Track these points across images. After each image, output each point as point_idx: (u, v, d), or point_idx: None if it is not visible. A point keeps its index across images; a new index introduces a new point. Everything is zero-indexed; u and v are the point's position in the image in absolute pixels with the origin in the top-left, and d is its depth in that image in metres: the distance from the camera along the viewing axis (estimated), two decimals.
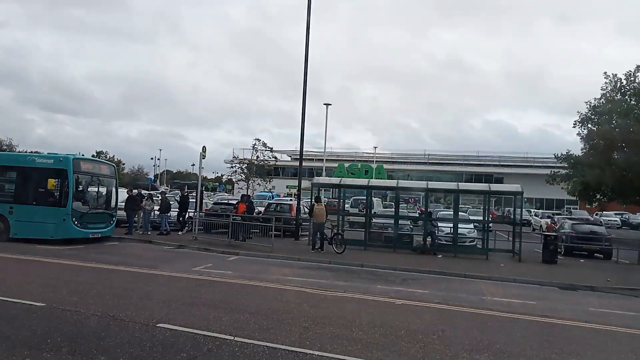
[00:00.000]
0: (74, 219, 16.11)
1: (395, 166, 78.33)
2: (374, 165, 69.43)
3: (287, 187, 75.11)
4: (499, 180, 70.85)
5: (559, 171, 36.44)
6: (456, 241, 17.51)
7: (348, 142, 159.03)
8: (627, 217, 50.04)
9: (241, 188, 25.97)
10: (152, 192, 25.44)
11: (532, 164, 78.43)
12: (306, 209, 22.11)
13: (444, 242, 18.54)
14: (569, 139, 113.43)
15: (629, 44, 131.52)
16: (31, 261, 12.27)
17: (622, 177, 30.10)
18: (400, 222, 18.45)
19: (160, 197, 20.82)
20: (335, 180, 21.11)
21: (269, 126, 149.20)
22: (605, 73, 34.68)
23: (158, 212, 20.36)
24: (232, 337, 6.23)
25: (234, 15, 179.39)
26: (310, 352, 5.84)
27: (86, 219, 16.65)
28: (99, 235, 17.25)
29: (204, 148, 18.94)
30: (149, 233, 19.68)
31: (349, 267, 14.27)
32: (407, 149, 75.03)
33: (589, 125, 34.22)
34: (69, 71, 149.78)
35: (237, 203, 19.55)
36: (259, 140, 21.65)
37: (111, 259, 13.22)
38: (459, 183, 17.48)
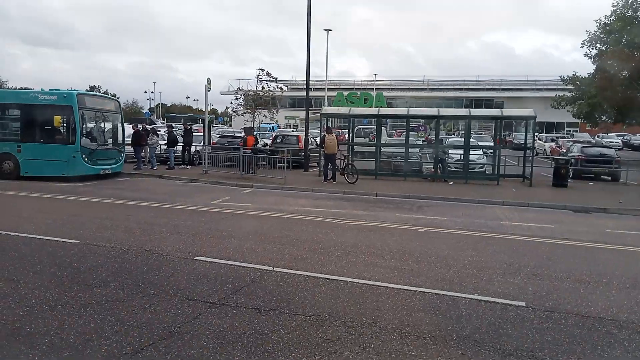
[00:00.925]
0: (83, 156, 15.97)
1: (394, 93, 77.07)
2: (374, 93, 68.52)
3: (285, 117, 74.37)
4: (500, 104, 70.06)
5: (564, 94, 35.96)
6: (467, 168, 17.54)
7: (342, 69, 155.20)
8: (628, 138, 50.13)
9: (247, 120, 25.59)
10: (154, 126, 25.10)
11: (532, 87, 77.34)
12: (313, 140, 21.98)
13: (454, 169, 18.58)
14: (568, 60, 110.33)
15: None
16: (49, 199, 12.30)
17: (630, 96, 29.74)
18: (410, 150, 18.39)
19: (167, 131, 20.54)
20: (344, 110, 20.72)
21: (260, 54, 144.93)
22: None
23: (165, 147, 20.22)
24: (270, 268, 6.34)
25: None
26: (350, 279, 5.97)
27: (96, 156, 16.52)
28: (109, 172, 17.21)
29: (208, 80, 18.40)
30: (156, 168, 19.65)
31: (364, 196, 14.38)
32: (404, 75, 73.43)
33: (598, 45, 33.29)
34: (48, 1, 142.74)
35: (244, 136, 19.32)
36: (262, 70, 21.05)
37: (128, 194, 13.26)
38: (470, 109, 17.20)
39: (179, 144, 20.42)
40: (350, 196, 14.36)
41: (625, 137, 50.24)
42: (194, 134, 21.16)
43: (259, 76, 21.10)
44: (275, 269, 6.32)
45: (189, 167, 20.41)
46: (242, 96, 22.34)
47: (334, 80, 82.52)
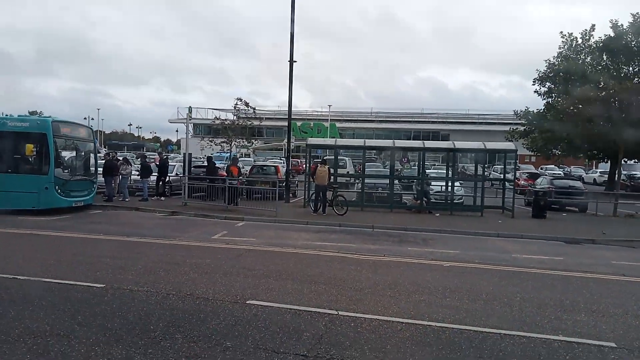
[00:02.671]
0: (56, 187, 14.84)
1: (346, 124, 78.59)
2: (327, 124, 69.46)
3: (236, 147, 73.61)
4: (445, 137, 73.01)
5: (517, 128, 37.99)
6: (450, 199, 17.85)
7: (284, 100, 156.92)
8: (569, 169, 53.42)
9: (205, 149, 24.93)
10: (127, 156, 23.89)
11: (473, 121, 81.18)
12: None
13: (434, 201, 18.84)
14: (496, 96, 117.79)
15: (548, 3, 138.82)
16: (33, 235, 11.18)
17: (579, 132, 31.76)
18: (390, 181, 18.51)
19: (140, 161, 19.54)
20: (330, 141, 20.67)
21: (202, 84, 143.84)
22: (561, 32, 35.91)
23: (138, 177, 19.19)
24: (335, 312, 5.95)
25: None
26: (427, 322, 5.70)
27: (69, 187, 15.40)
28: (82, 204, 16.07)
29: (190, 109, 17.79)
30: (128, 199, 18.57)
31: (361, 229, 14.20)
32: (347, 107, 74.93)
33: (548, 84, 35.61)
34: None
35: (228, 166, 18.69)
36: (240, 100, 20.65)
37: (115, 229, 12.33)
38: (455, 142, 17.68)
39: (153, 174, 19.47)
40: (348, 229, 14.12)
41: (565, 169, 53.49)
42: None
43: (237, 105, 20.69)
44: (340, 312, 5.94)
45: (162, 198, 19.44)
46: (219, 124, 21.73)
47: (284, 111, 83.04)
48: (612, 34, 32.58)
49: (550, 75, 35.08)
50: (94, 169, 17.09)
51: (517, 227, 15.10)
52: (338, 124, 75.02)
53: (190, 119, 18.16)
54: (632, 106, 19.31)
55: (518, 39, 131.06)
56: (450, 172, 18.37)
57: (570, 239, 13.71)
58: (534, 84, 36.10)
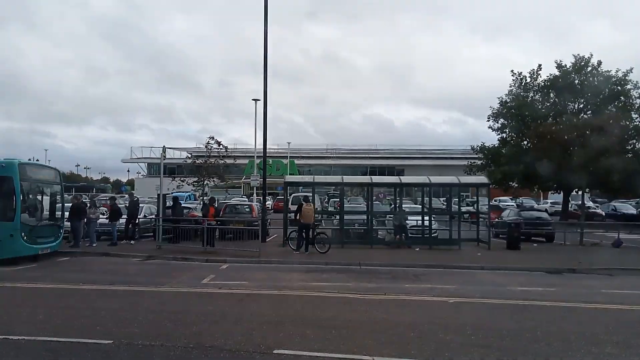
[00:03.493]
0: (23, 234, 13.83)
1: (302, 161, 78.97)
2: (285, 161, 69.40)
3: (187, 184, 71.91)
4: (400, 172, 74.67)
5: (474, 162, 39.49)
6: (426, 234, 18.06)
7: (235, 137, 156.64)
8: (521, 201, 55.71)
9: (169, 190, 24.18)
10: (93, 198, 22.76)
11: (426, 156, 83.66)
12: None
13: (412, 235, 18.95)
14: (440, 131, 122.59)
15: (479, 43, 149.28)
16: (2, 288, 10.25)
17: (532, 167, 33.38)
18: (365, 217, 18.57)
19: (109, 204, 18.62)
20: (308, 178, 20.58)
21: (147, 122, 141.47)
22: (512, 71, 38.03)
23: (107, 221, 18.25)
24: (370, 357, 5.73)
25: (92, 2, 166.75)
26: None
27: (35, 233, 14.42)
28: (48, 251, 15.05)
29: (163, 148, 17.28)
30: (95, 245, 17.58)
31: (349, 266, 13.98)
32: (300, 143, 75.46)
33: (501, 119, 37.44)
34: None
35: (204, 206, 18.10)
36: (212, 138, 20.30)
37: (93, 277, 11.55)
38: (430, 177, 18.05)
39: (122, 217, 18.59)
40: (336, 267, 13.86)
41: (517, 200, 55.70)
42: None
43: (208, 144, 20.34)
44: (375, 358, 5.72)
45: (132, 242, 18.53)
46: (191, 162, 21.19)
47: (241, 148, 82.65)
48: (557, 73, 34.89)
49: (503, 111, 36.93)
50: (60, 213, 16.12)
51: (497, 260, 15.37)
52: (298, 161, 75.21)
53: (164, 158, 17.61)
54: (581, 141, 20.53)
55: (456, 77, 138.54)
56: (426, 207, 18.61)
57: (552, 269, 14.07)
58: (488, 120, 37.77)
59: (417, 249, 17.44)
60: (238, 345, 6.14)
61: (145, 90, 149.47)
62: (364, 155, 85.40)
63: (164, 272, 12.70)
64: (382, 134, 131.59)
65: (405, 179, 18.50)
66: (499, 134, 37.53)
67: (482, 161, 38.79)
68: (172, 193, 47.56)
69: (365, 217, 18.60)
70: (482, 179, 18.63)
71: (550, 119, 34.36)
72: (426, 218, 18.42)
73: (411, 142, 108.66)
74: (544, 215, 22.11)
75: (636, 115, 31.12)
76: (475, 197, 18.47)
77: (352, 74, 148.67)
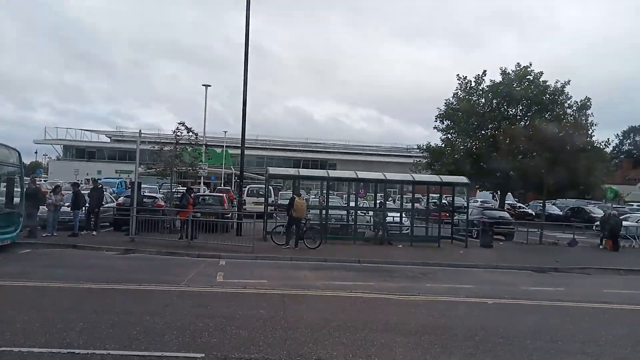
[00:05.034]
0: None
1: (233, 151, 77.06)
2: (219, 150, 67.12)
3: (116, 171, 67.60)
4: (333, 166, 75.61)
5: (419, 160, 40.82)
6: (408, 231, 18.24)
7: (149, 122, 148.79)
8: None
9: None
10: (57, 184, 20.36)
11: (357, 152, 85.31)
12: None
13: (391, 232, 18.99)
14: (357, 127, 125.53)
15: (398, 46, 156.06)
16: None
17: (478, 166, 35.16)
18: (351, 213, 18.41)
19: (73, 190, 16.70)
20: (292, 171, 19.84)
21: (51, 100, 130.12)
22: (457, 75, 39.64)
23: (68, 208, 16.39)
24: None
25: None
26: None
27: None
28: (8, 242, 13.22)
29: (140, 132, 15.76)
30: (56, 235, 15.79)
31: (351, 263, 13.73)
32: (231, 133, 73.36)
33: (446, 121, 38.94)
34: None
35: (182, 197, 16.78)
36: (182, 124, 18.84)
37: (81, 274, 10.20)
38: (414, 174, 18.18)
39: (85, 205, 16.81)
40: (338, 264, 13.52)
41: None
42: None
43: (177, 130, 18.91)
44: None
45: (94, 232, 16.86)
46: (157, 150, 19.52)
47: (165, 134, 78.94)
48: (501, 79, 36.88)
49: (449, 113, 38.42)
50: (19, 199, 14.21)
51: (481, 258, 15.86)
52: (231, 151, 73.19)
53: (140, 143, 16.09)
54: (548, 146, 21.89)
55: (374, 76, 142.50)
56: (406, 205, 18.80)
57: (537, 268, 14.76)
58: (435, 121, 39.10)
59: (400, 246, 17.55)
60: (347, 357, 5.65)
61: (50, 67, 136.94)
62: (295, 148, 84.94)
63: (161, 269, 11.63)
64: (301, 127, 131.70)
65: (390, 175, 18.49)
66: (444, 134, 39.12)
67: (427, 160, 40.27)
68: (102, 179, 44.12)
69: (344, 212, 18.40)
70: (462, 178, 19.12)
71: (493, 123, 36.28)
72: (404, 215, 18.61)
73: (330, 136, 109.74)
74: (506, 214, 23.27)
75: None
76: (456, 197, 18.95)
77: (274, 66, 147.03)
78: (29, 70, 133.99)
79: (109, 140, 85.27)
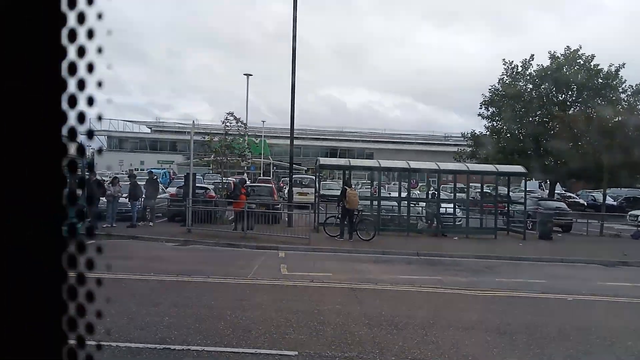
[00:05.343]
0: None
1: (271, 141, 77.30)
2: (258, 140, 67.46)
3: (158, 162, 69.12)
4: (370, 155, 74.70)
5: (464, 149, 39.83)
6: (463, 222, 17.76)
7: (186, 112, 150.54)
8: None
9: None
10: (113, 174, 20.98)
11: (394, 140, 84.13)
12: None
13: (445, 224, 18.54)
14: (392, 115, 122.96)
15: (431, 30, 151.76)
16: None
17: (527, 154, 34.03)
18: (403, 204, 18.06)
19: (129, 182, 17.06)
20: (343, 161, 19.73)
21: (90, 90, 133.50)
22: (503, 60, 38.33)
23: (126, 200, 16.75)
24: None
25: None
26: None
27: None
28: None
29: (193, 122, 15.89)
30: (115, 225, 16.17)
31: (407, 256, 13.46)
32: (255, 121, 73.12)
33: (492, 108, 37.78)
34: None
35: (234, 188, 16.85)
36: (231, 114, 18.91)
37: (150, 265, 10.38)
38: (468, 164, 17.70)
39: (142, 196, 17.15)
40: (396, 257, 13.28)
41: None
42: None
43: (226, 120, 18.98)
44: None
45: (151, 224, 17.18)
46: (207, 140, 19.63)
47: (204, 125, 79.84)
48: (549, 64, 35.41)
49: (495, 100, 37.23)
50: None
51: (544, 251, 15.27)
52: (269, 141, 73.59)
53: (195, 133, 16.22)
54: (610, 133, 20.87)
55: (408, 62, 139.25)
56: (460, 195, 18.30)
57: (605, 261, 14.09)
58: (480, 108, 38.00)
59: (455, 238, 17.12)
60: (442, 357, 5.44)
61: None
62: (329, 137, 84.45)
63: (223, 260, 11.71)
64: (333, 116, 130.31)
65: (443, 165, 18.02)
66: (489, 122, 37.98)
67: (471, 148, 39.26)
68: (146, 170, 45.10)
69: (394, 203, 18.08)
70: (519, 168, 18.46)
71: (542, 110, 35.05)
72: (457, 206, 18.13)
73: (364, 125, 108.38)
74: (563, 205, 22.40)
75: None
76: (507, 187, 18.34)
77: (306, 54, 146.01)
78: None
79: (149, 130, 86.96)
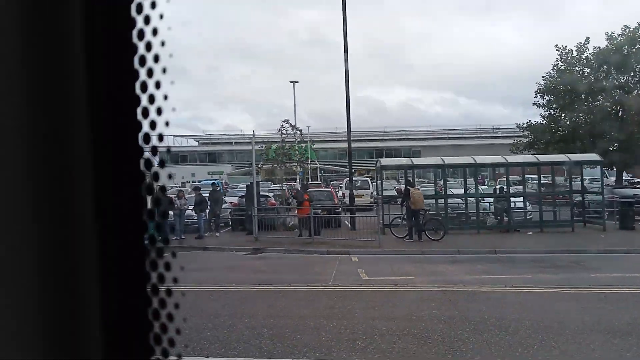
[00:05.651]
0: None
1: (316, 145, 77.37)
2: (305, 145, 67.76)
3: (208, 173, 70.80)
4: (417, 153, 73.31)
5: (520, 140, 38.33)
6: (541, 217, 16.85)
7: (226, 123, 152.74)
8: None
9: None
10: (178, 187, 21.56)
11: (440, 136, 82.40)
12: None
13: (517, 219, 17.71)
14: (432, 112, 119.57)
15: (467, 22, 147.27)
16: None
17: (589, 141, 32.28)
18: (471, 201, 17.43)
19: (194, 194, 17.35)
20: (404, 160, 19.38)
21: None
22: (556, 45, 36.67)
23: (192, 212, 17.03)
24: None
25: None
26: None
27: None
28: None
29: (253, 132, 15.99)
30: (184, 237, 16.47)
31: (484, 254, 12.89)
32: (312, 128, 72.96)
33: (548, 96, 36.15)
34: None
35: (296, 194, 16.75)
36: (286, 121, 18.95)
37: (230, 276, 10.41)
38: (538, 155, 16.92)
39: (207, 207, 17.39)
40: (472, 256, 12.74)
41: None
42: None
43: (282, 128, 19.04)
44: None
45: (217, 234, 17.39)
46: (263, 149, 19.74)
47: (249, 134, 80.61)
48: (608, 46, 33.50)
49: (551, 87, 35.62)
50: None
51: (630, 242, 14.20)
52: (314, 146, 73.62)
53: (245, 143, 16.29)
54: None
55: (446, 56, 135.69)
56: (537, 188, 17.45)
57: None
58: (535, 97, 36.48)
59: (530, 233, 16.33)
60: None
61: None
62: (374, 137, 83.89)
63: (299, 267, 11.59)
64: (372, 117, 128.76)
65: (511, 158, 17.30)
66: (546, 110, 36.35)
67: (528, 139, 37.71)
68: (198, 182, 46.10)
69: (459, 200, 17.47)
70: (593, 156, 17.45)
71: (602, 94, 33.33)
72: (529, 200, 17.29)
73: (403, 123, 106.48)
74: (639, 192, 20.98)
75: None
76: (580, 176, 17.29)
77: (340, 57, 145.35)
78: None
79: (197, 143, 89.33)
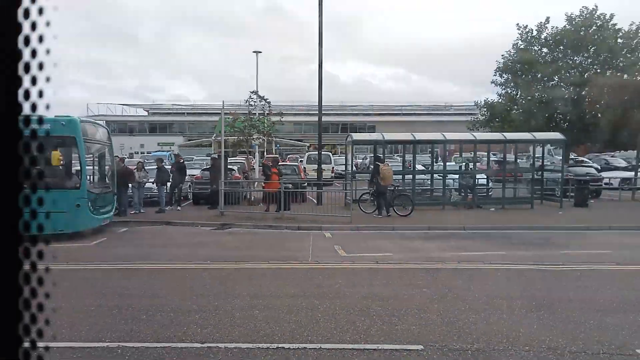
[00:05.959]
0: (89, 204, 11.81)
1: (274, 118, 75.95)
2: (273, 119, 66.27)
3: (158, 144, 68.33)
4: (372, 128, 73.77)
5: (477, 117, 39.11)
6: (490, 192, 17.32)
7: (178, 93, 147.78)
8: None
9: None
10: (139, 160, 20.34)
11: (395, 112, 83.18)
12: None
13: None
14: (385, 87, 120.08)
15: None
16: (113, 270, 8.50)
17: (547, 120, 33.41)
18: (437, 178, 17.59)
19: (157, 165, 16.40)
20: (376, 136, 19.08)
21: (81, 76, 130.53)
22: (517, 24, 37.28)
23: (153, 184, 16.19)
24: None
25: None
26: None
27: (98, 202, 12.41)
28: (108, 222, 13.08)
29: (223, 103, 15.18)
30: (143, 212, 15.69)
31: (454, 231, 13.04)
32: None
33: (506, 74, 36.93)
34: None
35: (269, 167, 16.13)
36: (255, 92, 18.15)
37: (193, 253, 9.96)
38: (505, 133, 17.21)
39: (169, 180, 16.57)
40: (442, 232, 12.84)
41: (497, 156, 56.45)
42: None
43: (250, 99, 18.27)
44: None
45: (179, 208, 16.69)
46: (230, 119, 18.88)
47: (201, 105, 78.29)
48: (567, 27, 34.38)
49: (509, 66, 36.37)
50: (110, 178, 14.01)
51: (587, 219, 14.80)
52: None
53: (226, 116, 15.53)
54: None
55: (402, 32, 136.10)
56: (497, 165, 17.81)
57: None
58: (495, 75, 37.16)
59: (492, 209, 16.73)
60: (574, 345, 5.02)
61: (75, 44, 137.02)
62: (331, 112, 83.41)
63: (272, 244, 11.24)
64: (330, 90, 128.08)
65: (480, 135, 17.49)
66: (503, 89, 37.17)
67: (484, 117, 38.56)
68: (152, 153, 44.34)
69: (424, 176, 17.61)
70: (557, 135, 17.95)
71: (558, 74, 34.28)
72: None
73: (357, 97, 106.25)
74: (592, 170, 21.97)
75: None
76: (541, 155, 17.76)
77: (296, 29, 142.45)
78: (58, 47, 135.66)
79: (146, 113, 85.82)
